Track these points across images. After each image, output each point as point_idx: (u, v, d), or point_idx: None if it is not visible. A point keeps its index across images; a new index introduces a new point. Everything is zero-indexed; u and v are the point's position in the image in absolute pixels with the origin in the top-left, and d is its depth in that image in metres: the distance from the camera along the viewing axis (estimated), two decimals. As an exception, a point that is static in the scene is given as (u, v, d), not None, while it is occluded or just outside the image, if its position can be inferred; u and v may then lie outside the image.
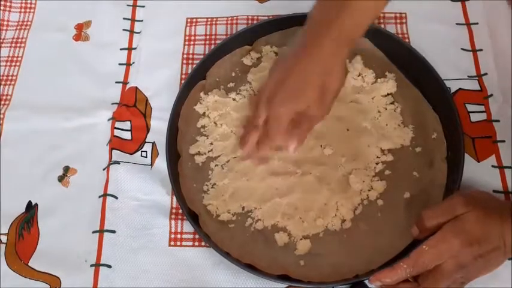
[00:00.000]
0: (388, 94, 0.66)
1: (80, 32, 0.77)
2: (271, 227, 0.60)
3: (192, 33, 0.75)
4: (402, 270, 0.51)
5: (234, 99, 0.67)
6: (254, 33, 0.71)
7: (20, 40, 0.77)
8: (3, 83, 0.73)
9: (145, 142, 0.67)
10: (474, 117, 0.66)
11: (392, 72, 0.67)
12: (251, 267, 0.57)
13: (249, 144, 0.60)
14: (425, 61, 0.66)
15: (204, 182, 0.63)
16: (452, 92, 0.67)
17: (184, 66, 0.72)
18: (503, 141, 0.64)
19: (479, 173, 0.62)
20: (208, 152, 0.64)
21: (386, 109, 0.66)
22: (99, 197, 0.64)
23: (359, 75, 0.67)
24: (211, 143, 0.65)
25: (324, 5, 0.54)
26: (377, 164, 0.62)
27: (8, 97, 0.72)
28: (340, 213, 0.60)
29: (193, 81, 0.68)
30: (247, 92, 0.67)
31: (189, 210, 0.60)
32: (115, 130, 0.68)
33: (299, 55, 0.54)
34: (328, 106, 0.57)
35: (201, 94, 0.68)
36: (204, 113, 0.67)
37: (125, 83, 0.72)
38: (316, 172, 0.62)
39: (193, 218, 0.60)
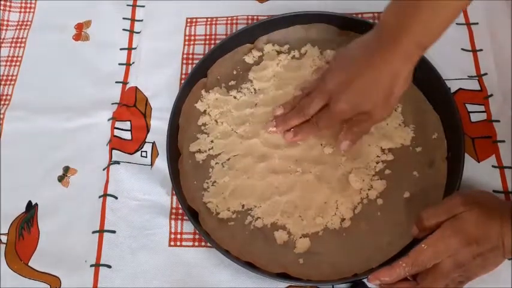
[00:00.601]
0: None
1: (80, 32, 0.77)
2: (271, 225, 0.60)
3: (192, 33, 0.75)
4: (401, 269, 0.52)
5: (235, 97, 0.67)
6: (254, 33, 0.71)
7: (19, 40, 0.77)
8: (3, 83, 0.73)
9: (145, 142, 0.67)
10: (474, 117, 0.66)
11: None
12: (251, 265, 0.57)
13: (288, 126, 0.62)
14: (427, 61, 0.65)
15: (205, 179, 0.63)
16: (452, 92, 0.67)
17: (184, 66, 0.72)
18: (503, 141, 0.64)
19: (479, 173, 0.62)
20: (209, 149, 0.64)
21: (387, 108, 0.66)
22: (99, 197, 0.64)
23: None
24: (212, 141, 0.65)
25: (399, 7, 0.53)
26: (377, 163, 0.62)
27: (8, 97, 0.72)
28: (339, 211, 0.60)
29: (193, 81, 0.68)
30: (248, 91, 0.68)
31: (189, 207, 0.60)
32: (115, 130, 0.68)
33: (370, 59, 0.54)
34: (392, 108, 0.58)
35: (202, 92, 0.68)
36: (205, 110, 0.67)
37: (124, 83, 0.72)
38: (316, 171, 0.62)
39: (193, 215, 0.60)
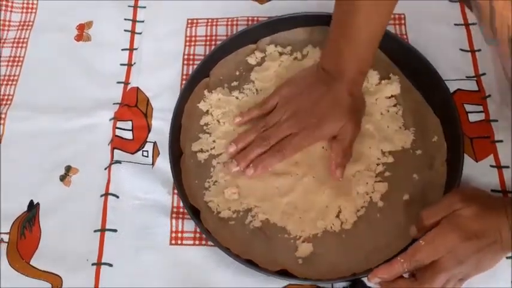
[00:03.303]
0: (391, 96, 0.66)
1: (82, 33, 0.77)
2: (271, 225, 0.60)
3: (193, 34, 0.75)
4: (399, 265, 0.52)
5: (237, 98, 0.67)
6: (254, 34, 0.71)
7: (21, 40, 0.77)
8: (5, 83, 0.73)
9: (146, 142, 0.67)
10: (472, 118, 0.66)
11: (395, 74, 0.68)
12: (251, 263, 0.57)
13: (249, 161, 0.61)
14: (425, 61, 0.66)
15: (206, 179, 0.63)
16: (450, 92, 0.67)
17: (185, 66, 0.72)
18: (501, 141, 0.65)
19: (477, 172, 0.63)
20: (211, 149, 0.64)
21: (388, 111, 0.66)
22: (101, 196, 0.64)
23: None
24: (214, 141, 0.65)
25: (331, 53, 0.62)
26: (377, 165, 0.62)
27: (10, 97, 0.72)
28: (343, 216, 0.60)
29: (195, 81, 0.68)
30: (250, 91, 0.68)
31: (191, 206, 0.61)
32: (116, 130, 0.68)
33: (326, 89, 0.62)
34: (359, 122, 0.63)
35: (205, 92, 0.68)
36: (208, 110, 0.67)
37: (126, 83, 0.72)
38: (317, 173, 0.62)
39: (195, 214, 0.60)
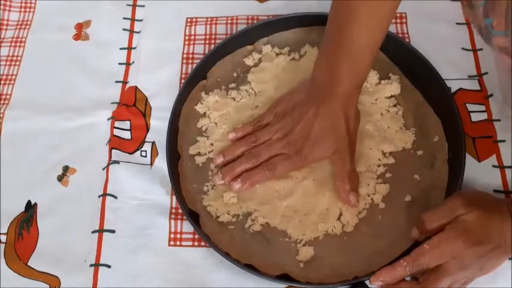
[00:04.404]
0: (391, 96, 0.66)
1: (80, 32, 0.77)
2: (271, 229, 0.60)
3: (192, 32, 0.75)
4: (402, 268, 0.52)
5: (234, 100, 0.67)
6: (254, 33, 0.71)
7: (19, 39, 0.77)
8: (2, 82, 0.73)
9: (144, 142, 0.67)
10: (475, 117, 0.66)
11: (395, 74, 0.67)
12: (250, 268, 0.57)
13: (236, 175, 0.60)
14: (426, 61, 0.66)
15: (204, 182, 0.62)
16: (452, 92, 0.67)
17: (184, 66, 0.72)
18: (504, 141, 0.64)
19: (480, 173, 0.62)
20: (209, 152, 0.64)
21: (388, 111, 0.65)
22: (99, 196, 0.64)
23: None
24: (212, 144, 0.64)
25: (325, 63, 0.58)
26: (378, 166, 0.62)
27: (8, 96, 0.72)
28: (344, 218, 0.59)
29: (193, 81, 0.68)
30: (247, 93, 0.67)
31: (190, 210, 0.60)
32: (114, 129, 0.68)
33: (318, 109, 0.58)
34: (354, 144, 0.60)
35: (202, 94, 0.67)
36: (205, 113, 0.67)
37: (124, 82, 0.72)
38: (317, 176, 0.62)
39: (194, 218, 0.60)
